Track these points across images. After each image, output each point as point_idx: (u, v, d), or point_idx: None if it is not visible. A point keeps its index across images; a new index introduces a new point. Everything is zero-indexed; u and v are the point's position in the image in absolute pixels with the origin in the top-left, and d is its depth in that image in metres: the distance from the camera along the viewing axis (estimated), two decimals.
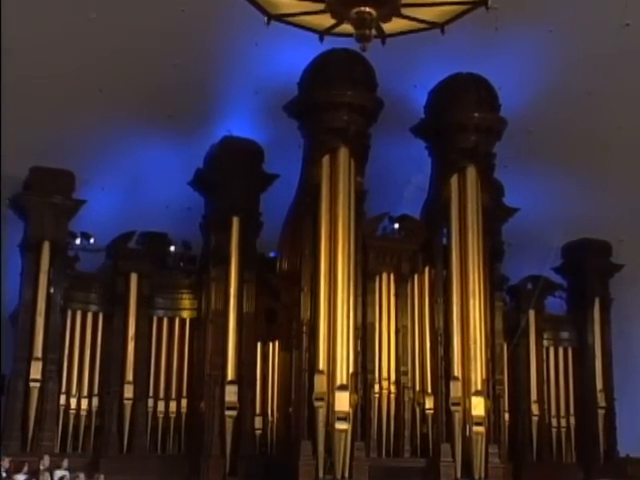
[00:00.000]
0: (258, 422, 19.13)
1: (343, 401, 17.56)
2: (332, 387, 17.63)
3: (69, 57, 17.79)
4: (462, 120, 19.73)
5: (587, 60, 18.62)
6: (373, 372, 18.77)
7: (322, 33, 9.43)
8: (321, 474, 17.42)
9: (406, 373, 19.17)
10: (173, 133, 19.77)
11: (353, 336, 18.09)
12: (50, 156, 18.24)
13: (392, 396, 19.03)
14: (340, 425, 17.46)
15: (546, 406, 21.57)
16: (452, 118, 19.75)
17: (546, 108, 19.71)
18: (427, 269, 19.81)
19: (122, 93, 18.90)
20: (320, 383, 17.69)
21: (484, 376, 18.94)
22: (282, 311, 19.37)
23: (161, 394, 19.25)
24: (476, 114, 19.74)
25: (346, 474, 17.51)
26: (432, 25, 9.36)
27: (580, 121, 20.04)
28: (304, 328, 18.17)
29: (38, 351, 18.03)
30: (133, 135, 19.63)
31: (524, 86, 19.50)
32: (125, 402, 18.70)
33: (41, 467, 17.10)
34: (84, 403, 18.63)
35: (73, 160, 18.66)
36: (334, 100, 18.67)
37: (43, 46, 17.37)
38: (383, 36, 9.38)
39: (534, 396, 21.36)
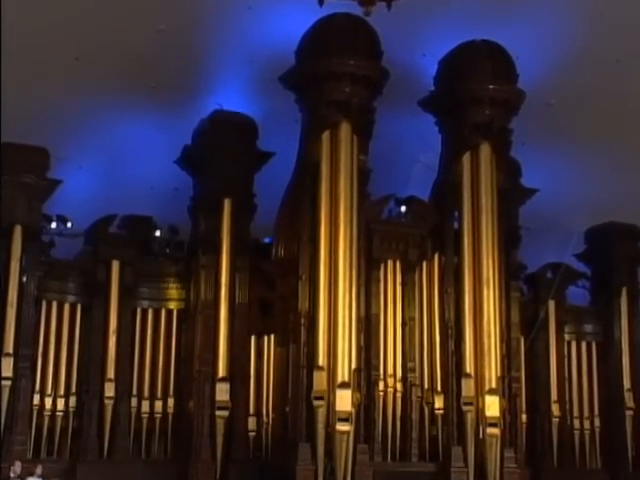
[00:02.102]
0: (252, 423, 19.10)
1: (345, 400, 17.52)
2: (333, 385, 17.61)
3: (42, 20, 17.68)
4: (476, 92, 19.70)
5: (615, 23, 18.56)
6: (377, 368, 18.74)
7: None
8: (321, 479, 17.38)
9: (413, 370, 19.16)
10: (158, 106, 19.73)
11: (356, 329, 18.06)
12: (22, 131, 18.00)
13: (398, 395, 19.01)
14: (341, 426, 17.43)
15: (568, 406, 21.50)
16: (465, 90, 19.72)
17: (569, 78, 19.71)
18: (437, 256, 19.77)
19: (101, 62, 18.80)
20: (319, 380, 17.68)
21: (499, 373, 18.91)
22: (278, 302, 19.33)
23: (145, 393, 19.17)
24: (491, 86, 19.71)
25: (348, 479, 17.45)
26: None
27: (607, 92, 20.00)
28: (302, 320, 18.16)
29: (9, 346, 17.87)
30: (114, 108, 19.56)
31: (544, 54, 19.47)
32: (106, 402, 18.59)
33: (12, 474, 16.95)
34: (60, 403, 18.50)
35: (47, 136, 18.50)
36: (335, 70, 18.64)
37: (13, 8, 17.20)
38: None
39: (554, 395, 21.28)
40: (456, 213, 19.82)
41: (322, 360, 17.76)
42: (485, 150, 19.76)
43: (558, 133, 20.68)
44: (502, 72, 19.79)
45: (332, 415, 17.48)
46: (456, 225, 19.78)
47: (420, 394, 19.13)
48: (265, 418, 19.09)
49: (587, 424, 21.67)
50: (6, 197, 18.29)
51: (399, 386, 19.00)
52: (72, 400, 18.61)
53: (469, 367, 18.89)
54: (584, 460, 21.48)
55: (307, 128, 19.07)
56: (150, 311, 19.56)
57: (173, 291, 19.74)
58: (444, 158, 20.30)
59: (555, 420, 21.16)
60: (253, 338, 19.39)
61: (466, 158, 19.83)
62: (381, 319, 19.02)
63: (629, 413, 21.62)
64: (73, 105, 19.11)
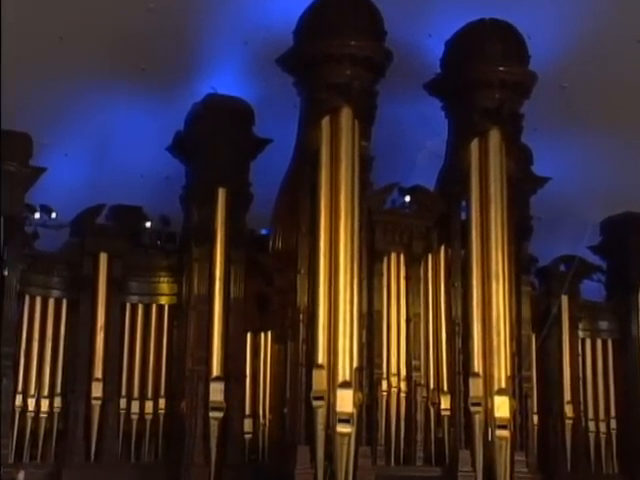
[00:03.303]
0: (248, 424, 19.01)
1: (346, 400, 17.50)
2: (333, 384, 17.60)
3: None
4: (484, 75, 19.64)
5: (637, 1, 18.61)
6: (380, 367, 18.70)
7: None
8: None
9: (418, 368, 19.08)
10: (148, 90, 19.73)
11: (357, 325, 18.01)
12: (2, 116, 17.86)
13: (402, 395, 18.94)
14: (342, 428, 17.39)
15: (582, 407, 21.36)
16: (473, 73, 19.67)
17: (584, 60, 19.72)
18: (443, 248, 19.71)
19: (87, 42, 18.77)
20: (319, 380, 17.66)
21: (509, 372, 18.88)
22: (275, 297, 19.26)
23: (135, 393, 19.05)
24: (501, 68, 19.65)
25: None
26: None
27: (625, 74, 19.99)
28: (301, 316, 18.13)
29: None
30: (101, 92, 19.50)
31: (558, 34, 19.50)
32: (93, 402, 18.44)
33: None
34: (44, 404, 18.36)
35: (30, 121, 18.37)
36: (335, 51, 18.57)
37: None
38: None
39: (568, 396, 21.11)
40: (463, 203, 19.73)
41: (322, 358, 17.71)
42: (494, 136, 19.70)
43: (572, 118, 20.64)
44: (513, 53, 19.71)
45: (332, 416, 17.43)
46: (463, 215, 19.71)
47: (425, 394, 19.05)
48: (262, 419, 19.00)
49: (603, 426, 21.48)
50: None
51: (403, 386, 18.93)
52: (57, 401, 18.44)
53: (477, 366, 18.83)
54: (600, 464, 21.29)
55: (306, 113, 19.01)
56: (140, 306, 19.41)
57: (164, 285, 19.62)
58: (451, 145, 20.24)
59: (569, 422, 20.95)
60: (249, 335, 19.29)
61: (474, 144, 19.76)
62: (384, 315, 18.94)
63: None
64: (58, 88, 19.05)
